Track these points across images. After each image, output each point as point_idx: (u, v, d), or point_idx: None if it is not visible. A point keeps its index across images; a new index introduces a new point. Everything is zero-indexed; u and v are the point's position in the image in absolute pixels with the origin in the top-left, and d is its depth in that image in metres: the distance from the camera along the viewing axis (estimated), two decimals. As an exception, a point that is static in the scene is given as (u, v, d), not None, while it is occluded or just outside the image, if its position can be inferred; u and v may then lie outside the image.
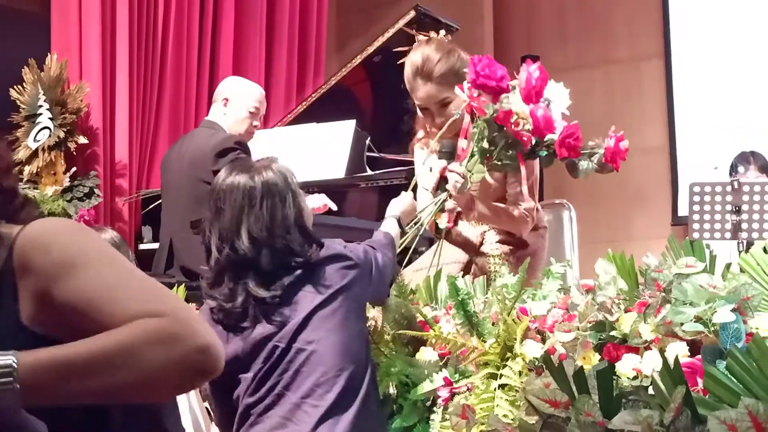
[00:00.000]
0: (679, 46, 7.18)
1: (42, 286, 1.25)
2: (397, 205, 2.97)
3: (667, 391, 1.77)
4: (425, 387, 2.52)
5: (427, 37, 3.29)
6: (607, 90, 7.30)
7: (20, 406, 1.14)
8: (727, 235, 4.64)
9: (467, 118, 2.96)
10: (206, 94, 5.96)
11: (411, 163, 4.82)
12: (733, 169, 5.24)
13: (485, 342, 2.50)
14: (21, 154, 5.24)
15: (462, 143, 3.00)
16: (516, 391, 2.33)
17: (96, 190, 5.21)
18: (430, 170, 3.03)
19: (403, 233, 2.91)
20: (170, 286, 3.53)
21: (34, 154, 5.21)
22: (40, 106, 5.27)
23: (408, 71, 3.18)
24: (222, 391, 2.40)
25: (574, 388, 1.89)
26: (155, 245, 4.69)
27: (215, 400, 2.47)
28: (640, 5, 7.38)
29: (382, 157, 4.98)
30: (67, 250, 1.26)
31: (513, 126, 2.79)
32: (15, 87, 5.34)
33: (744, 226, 4.56)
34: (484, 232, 3.28)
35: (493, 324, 2.54)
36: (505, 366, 2.42)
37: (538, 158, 2.94)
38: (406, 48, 3.32)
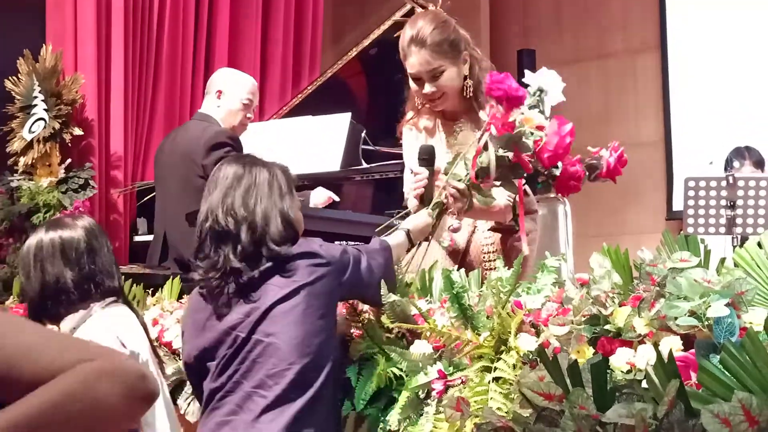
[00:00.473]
0: (674, 40, 7.19)
1: None
2: (412, 220, 2.92)
3: (660, 385, 1.77)
4: (419, 380, 2.53)
5: (424, 8, 3.27)
6: (603, 83, 7.31)
7: None
8: (722, 229, 4.65)
9: (485, 136, 2.92)
10: (201, 86, 5.95)
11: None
12: (728, 164, 5.25)
13: (480, 335, 2.51)
14: (16, 145, 5.23)
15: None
16: (510, 384, 2.33)
17: (91, 182, 5.21)
18: (411, 172, 3.02)
19: (410, 247, 2.87)
20: (165, 278, 3.53)
21: (29, 146, 5.21)
22: (35, 97, 5.26)
23: (403, 38, 3.17)
24: (198, 379, 2.50)
25: (568, 381, 1.89)
26: (150, 237, 4.69)
27: (195, 388, 2.55)
28: (636, -2, 7.39)
29: (377, 150, 4.98)
30: None
31: (521, 155, 2.79)
32: (10, 78, 5.33)
33: (738, 221, 4.58)
34: (472, 232, 3.27)
35: (487, 317, 2.54)
36: (499, 359, 2.42)
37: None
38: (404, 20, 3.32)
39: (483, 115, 2.92)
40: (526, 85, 2.83)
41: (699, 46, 7.07)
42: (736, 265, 2.34)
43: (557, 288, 2.57)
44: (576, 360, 2.00)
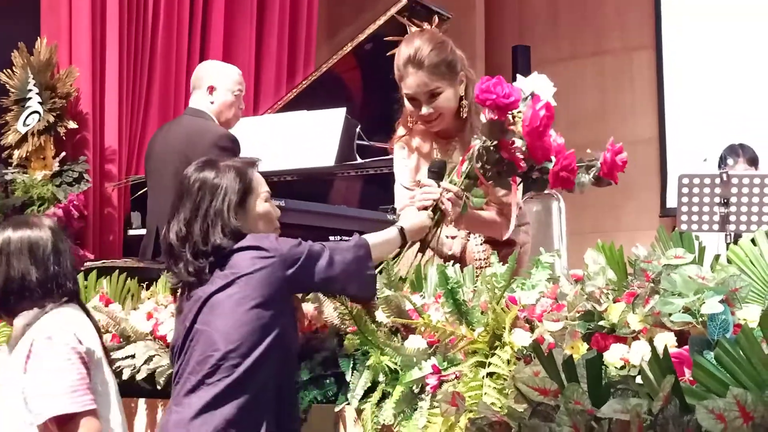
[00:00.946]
0: (670, 38, 7.20)
1: None
2: (409, 217, 2.91)
3: (655, 381, 1.78)
4: (414, 374, 2.54)
5: (420, 28, 3.23)
6: (598, 81, 7.32)
7: None
8: (715, 227, 4.67)
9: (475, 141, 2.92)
10: (196, 81, 5.95)
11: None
12: (722, 162, 5.26)
13: (474, 330, 2.51)
14: (10, 138, 5.22)
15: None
16: (504, 379, 2.34)
17: (85, 176, 5.20)
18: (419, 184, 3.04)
19: (403, 245, 2.85)
20: (159, 272, 3.53)
21: (24, 139, 5.20)
22: (30, 90, 5.25)
23: (399, 59, 3.16)
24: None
25: (563, 376, 1.90)
26: (144, 231, 4.69)
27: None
28: (632, -4, 7.40)
29: (371, 146, 4.98)
30: None
31: (511, 151, 2.79)
32: (4, 71, 5.32)
33: (732, 218, 4.59)
34: (466, 243, 3.27)
35: (482, 313, 2.55)
36: (493, 354, 2.43)
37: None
38: (397, 38, 3.29)
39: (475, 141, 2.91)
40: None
41: (694, 45, 7.08)
42: (730, 262, 2.35)
43: (552, 284, 2.58)
44: (571, 355, 2.01)
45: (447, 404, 2.22)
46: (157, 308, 3.15)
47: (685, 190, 4.68)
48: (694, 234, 2.54)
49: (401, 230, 2.84)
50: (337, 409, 2.69)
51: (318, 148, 4.81)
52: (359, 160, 4.83)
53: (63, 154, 5.24)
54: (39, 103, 5.22)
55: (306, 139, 4.88)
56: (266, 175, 4.49)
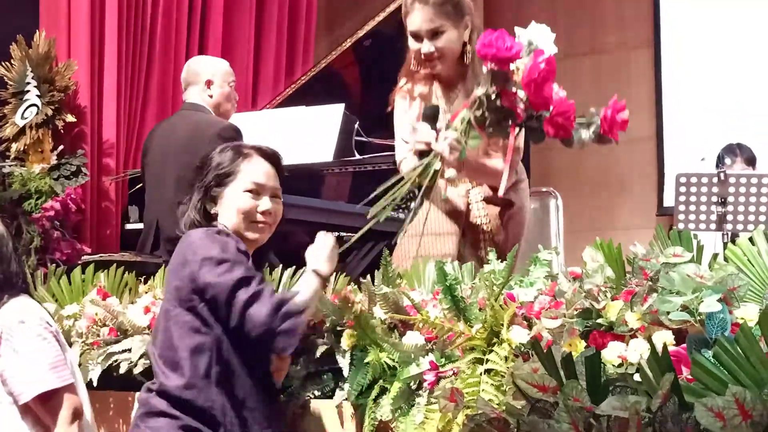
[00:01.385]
0: (668, 36, 7.20)
1: None
2: (316, 255, 2.55)
3: (654, 379, 1.79)
4: (411, 370, 2.54)
5: None
6: (596, 78, 7.31)
7: None
8: (712, 226, 4.67)
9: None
10: (195, 75, 5.94)
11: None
12: (720, 161, 5.27)
13: (472, 327, 2.52)
14: (8, 131, 5.21)
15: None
16: (501, 376, 2.34)
17: (83, 169, 5.19)
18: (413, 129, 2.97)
19: (326, 283, 2.59)
20: (157, 266, 3.53)
21: (22, 132, 5.18)
22: (28, 83, 5.23)
23: None
24: None
25: (562, 373, 1.90)
26: (141, 225, 4.69)
27: None
28: (630, -6, 7.39)
29: (370, 142, 4.98)
30: None
31: (511, 99, 2.79)
32: (3, 63, 5.31)
33: (729, 217, 4.60)
34: (468, 190, 3.25)
35: (480, 309, 2.56)
36: (491, 351, 2.44)
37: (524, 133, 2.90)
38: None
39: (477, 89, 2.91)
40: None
41: (692, 43, 7.08)
42: (728, 261, 2.36)
43: (550, 281, 2.58)
44: (570, 353, 2.02)
45: (446, 400, 2.22)
46: (155, 302, 3.15)
47: (682, 189, 4.68)
48: (692, 233, 2.54)
49: (316, 272, 2.52)
50: (334, 404, 2.69)
51: (316, 144, 4.80)
52: (357, 156, 4.83)
53: (61, 147, 5.22)
54: (37, 96, 5.21)
55: (304, 134, 4.88)
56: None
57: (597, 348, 2.19)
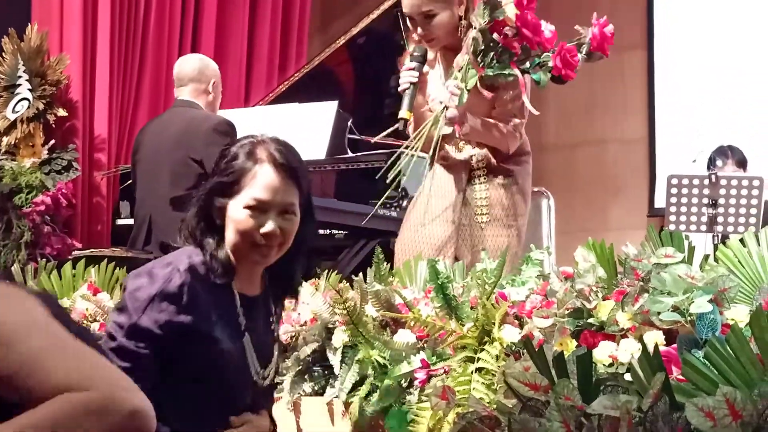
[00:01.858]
0: (661, 38, 7.21)
1: None
2: None
3: (645, 378, 1.79)
4: (402, 368, 2.54)
5: None
6: (589, 79, 7.31)
7: None
8: (703, 227, 4.69)
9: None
10: (187, 71, 5.92)
11: (392, 146, 4.84)
12: (711, 163, 5.28)
13: (463, 325, 2.52)
14: (-1, 124, 5.20)
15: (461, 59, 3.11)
16: (492, 374, 2.35)
17: (74, 164, 5.18)
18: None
19: None
20: (147, 262, 3.53)
21: (13, 125, 5.17)
22: (20, 77, 5.22)
23: None
24: None
25: (553, 372, 1.91)
26: (132, 221, 4.68)
27: None
28: (624, -4, 7.40)
29: (363, 139, 4.98)
30: None
31: (505, 35, 2.94)
32: (-6, 57, 5.30)
33: (720, 219, 4.61)
34: (471, 156, 3.31)
35: (471, 308, 2.56)
36: (482, 350, 2.44)
37: (528, 76, 3.08)
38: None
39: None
40: None
41: (685, 46, 7.10)
42: (718, 262, 2.36)
43: (542, 281, 2.59)
44: (562, 352, 2.02)
45: (437, 398, 2.23)
46: (146, 298, 3.14)
47: (674, 190, 4.70)
48: (683, 234, 2.55)
49: None
50: (325, 401, 2.69)
51: (309, 141, 4.80)
52: (350, 154, 4.83)
53: (52, 141, 5.21)
54: (29, 89, 5.20)
55: (297, 131, 4.87)
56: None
57: (588, 347, 2.19)
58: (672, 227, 4.65)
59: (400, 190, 4.54)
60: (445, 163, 3.31)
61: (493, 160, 3.28)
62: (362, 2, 6.37)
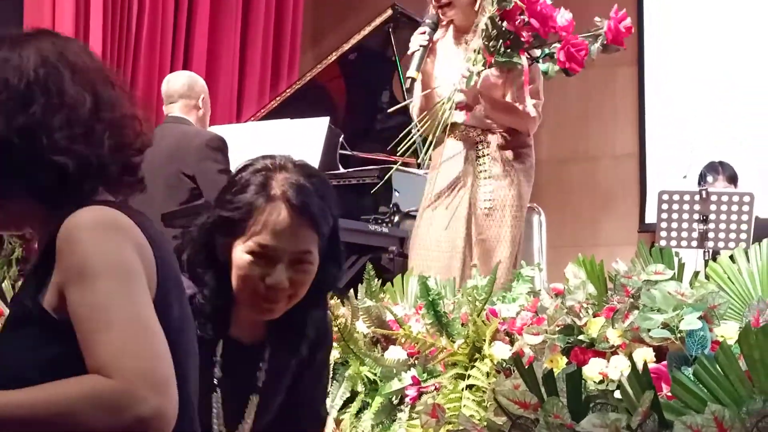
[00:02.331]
0: (652, 54, 7.24)
1: (61, 282, 1.24)
2: None
3: (634, 396, 1.80)
4: (393, 385, 2.54)
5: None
6: (581, 95, 7.34)
7: None
8: (694, 243, 4.69)
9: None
10: (179, 87, 5.93)
11: (383, 162, 4.85)
12: (702, 179, 5.29)
13: (454, 342, 2.52)
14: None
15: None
16: (483, 391, 2.35)
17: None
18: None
19: None
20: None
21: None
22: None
23: None
24: None
25: (543, 390, 1.91)
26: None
27: None
28: (615, 12, 7.43)
29: (354, 155, 4.99)
30: (85, 257, 1.23)
31: (515, 23, 3.02)
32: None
33: (711, 235, 4.61)
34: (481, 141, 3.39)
35: (462, 325, 2.56)
36: (473, 367, 2.44)
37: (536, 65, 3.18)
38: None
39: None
40: None
41: (675, 62, 7.12)
42: (708, 278, 2.37)
43: (532, 297, 2.59)
44: (551, 369, 2.02)
45: (427, 415, 2.23)
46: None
47: (664, 206, 4.70)
48: (674, 250, 2.56)
49: None
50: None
51: (300, 157, 4.79)
52: (342, 170, 4.83)
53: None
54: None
55: (289, 147, 4.85)
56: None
57: (578, 364, 2.20)
58: (663, 243, 4.65)
59: (391, 206, 4.55)
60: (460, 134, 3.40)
61: (499, 151, 3.37)
62: (353, 18, 6.38)
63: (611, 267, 2.49)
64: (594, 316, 2.37)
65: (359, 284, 2.88)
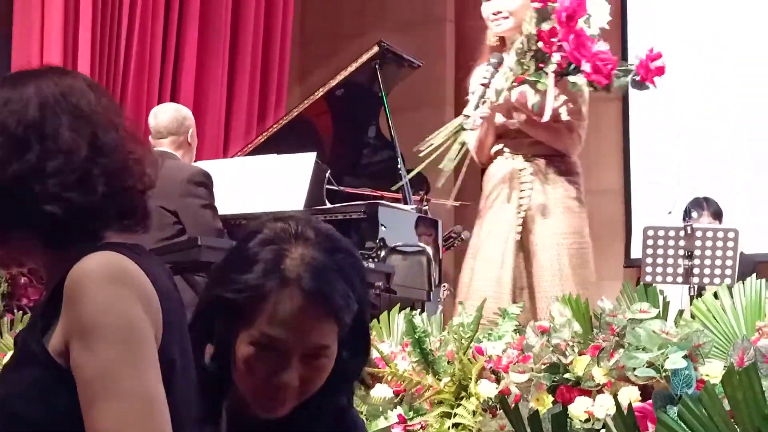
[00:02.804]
0: (636, 91, 7.30)
1: (66, 332, 1.21)
2: None
3: (619, 437, 1.80)
4: (379, 424, 2.53)
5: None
6: (565, 131, 7.40)
7: None
8: (679, 279, 4.70)
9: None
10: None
11: (370, 197, 4.87)
12: (687, 215, 5.32)
13: (440, 380, 2.52)
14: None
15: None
16: (469, 430, 2.35)
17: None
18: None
19: None
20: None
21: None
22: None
23: None
24: None
25: (529, 430, 1.91)
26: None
27: None
28: (600, 49, 7.50)
29: (341, 191, 5.00)
30: (91, 315, 1.20)
31: (550, 45, 3.05)
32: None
33: (696, 271, 4.63)
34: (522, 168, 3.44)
35: (448, 362, 2.56)
36: (459, 405, 2.44)
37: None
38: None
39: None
40: None
41: (659, 98, 7.18)
42: (693, 317, 2.38)
43: (518, 335, 2.60)
44: (537, 410, 2.03)
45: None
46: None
47: (649, 242, 4.72)
48: (659, 286, 2.57)
49: None
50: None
51: (287, 192, 4.81)
52: (328, 205, 4.84)
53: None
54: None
55: (275, 182, 4.89)
56: (234, 218, 4.55)
57: (564, 403, 2.20)
58: (648, 278, 4.66)
59: (377, 241, 4.55)
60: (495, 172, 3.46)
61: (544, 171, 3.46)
62: (341, 54, 6.42)
63: (596, 304, 2.50)
64: (580, 354, 2.38)
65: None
